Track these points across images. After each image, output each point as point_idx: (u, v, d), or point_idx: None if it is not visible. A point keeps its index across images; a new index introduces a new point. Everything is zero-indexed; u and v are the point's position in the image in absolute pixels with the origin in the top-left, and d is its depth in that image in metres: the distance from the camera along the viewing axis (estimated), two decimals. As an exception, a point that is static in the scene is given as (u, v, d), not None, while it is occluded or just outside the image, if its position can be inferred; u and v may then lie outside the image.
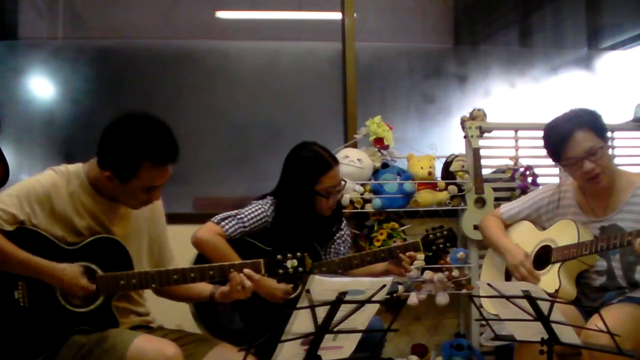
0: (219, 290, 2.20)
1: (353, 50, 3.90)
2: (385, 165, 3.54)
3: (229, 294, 2.15)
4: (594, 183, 2.43)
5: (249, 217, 2.55)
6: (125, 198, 2.09)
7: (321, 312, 1.72)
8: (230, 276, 2.11)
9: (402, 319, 3.56)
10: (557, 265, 2.48)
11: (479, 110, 3.66)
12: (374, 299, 1.79)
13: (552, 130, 2.49)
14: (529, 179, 3.61)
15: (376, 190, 3.48)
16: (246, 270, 2.11)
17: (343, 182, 2.66)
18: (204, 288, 2.24)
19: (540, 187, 3.12)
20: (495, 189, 3.57)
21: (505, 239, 2.67)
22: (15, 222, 1.99)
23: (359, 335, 1.87)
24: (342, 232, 2.78)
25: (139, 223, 2.22)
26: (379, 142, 3.54)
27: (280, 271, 2.14)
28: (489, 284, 1.99)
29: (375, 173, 3.53)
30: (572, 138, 2.39)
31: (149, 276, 2.09)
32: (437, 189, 3.57)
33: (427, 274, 3.46)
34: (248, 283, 2.09)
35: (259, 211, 2.57)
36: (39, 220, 2.02)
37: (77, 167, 2.13)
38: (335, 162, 2.62)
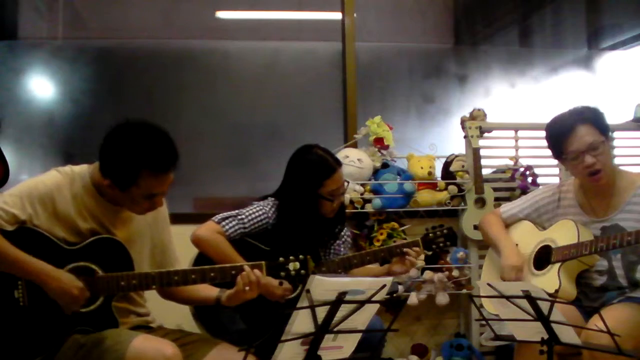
0: (226, 294, 2.19)
1: (353, 50, 3.90)
2: (385, 165, 3.54)
3: (235, 296, 2.15)
4: (595, 180, 2.44)
5: (249, 217, 2.54)
6: (128, 205, 2.10)
7: (321, 312, 1.72)
8: (238, 279, 2.10)
9: (402, 319, 3.56)
10: (557, 265, 2.48)
11: (479, 110, 3.66)
12: (374, 299, 1.79)
13: (554, 124, 2.51)
14: (529, 179, 3.60)
15: (376, 190, 3.48)
16: (256, 271, 2.11)
17: (346, 183, 2.66)
18: (210, 292, 2.24)
19: (540, 187, 3.13)
20: (495, 189, 3.57)
21: (505, 239, 2.68)
22: (16, 223, 1.99)
23: (359, 335, 1.87)
24: (342, 233, 2.78)
25: (142, 228, 2.22)
26: (379, 142, 3.54)
27: (282, 274, 2.14)
28: (489, 284, 1.99)
29: (375, 173, 3.53)
30: (574, 132, 2.41)
31: (150, 277, 2.09)
32: (437, 189, 3.57)
33: (427, 274, 3.46)
34: (253, 277, 2.09)
35: (260, 212, 2.57)
36: (40, 220, 2.02)
37: (81, 169, 2.13)
38: (339, 164, 2.62)
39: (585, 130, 2.41)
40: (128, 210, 2.14)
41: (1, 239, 1.95)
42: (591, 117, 2.43)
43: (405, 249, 2.55)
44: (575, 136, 2.41)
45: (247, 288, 2.09)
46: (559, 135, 2.46)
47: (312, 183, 2.56)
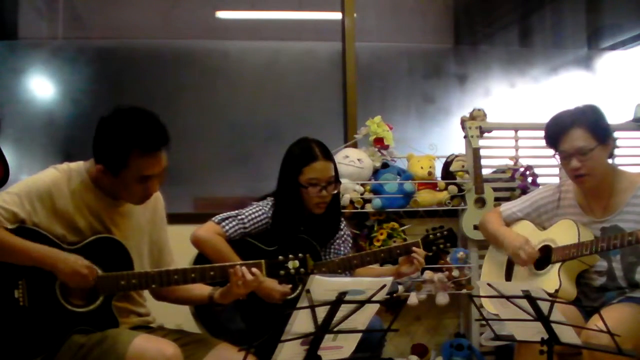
0: (218, 291, 2.19)
1: (353, 50, 3.90)
2: (385, 165, 3.54)
3: (228, 291, 2.14)
4: (578, 182, 2.47)
5: (249, 217, 2.54)
6: (122, 192, 2.09)
7: (321, 312, 1.72)
8: (230, 271, 2.10)
9: (402, 319, 3.56)
10: (557, 265, 2.48)
11: (479, 110, 3.66)
12: (374, 299, 1.79)
13: (554, 120, 2.52)
14: (529, 179, 3.61)
15: (376, 190, 3.48)
16: (255, 270, 2.11)
17: (338, 182, 2.64)
18: (202, 291, 2.24)
19: (540, 187, 3.12)
20: (495, 189, 3.57)
21: (506, 228, 2.69)
22: (15, 221, 1.99)
23: (359, 335, 1.87)
24: (342, 233, 2.77)
25: (141, 223, 2.22)
26: (379, 142, 3.54)
27: (282, 272, 2.14)
28: (489, 284, 1.99)
29: (375, 173, 3.53)
30: (568, 133, 2.43)
31: (150, 276, 2.09)
32: (437, 189, 3.57)
33: (427, 274, 3.46)
34: (249, 277, 2.09)
35: (259, 212, 2.57)
36: (39, 218, 2.02)
37: (78, 165, 2.13)
38: (325, 156, 2.59)
39: (578, 133, 2.41)
40: (125, 201, 2.13)
41: (4, 230, 1.95)
42: (589, 121, 2.43)
43: (414, 249, 2.54)
44: (567, 137, 2.42)
45: (239, 282, 2.09)
46: (555, 132, 2.48)
47: (292, 170, 2.57)
